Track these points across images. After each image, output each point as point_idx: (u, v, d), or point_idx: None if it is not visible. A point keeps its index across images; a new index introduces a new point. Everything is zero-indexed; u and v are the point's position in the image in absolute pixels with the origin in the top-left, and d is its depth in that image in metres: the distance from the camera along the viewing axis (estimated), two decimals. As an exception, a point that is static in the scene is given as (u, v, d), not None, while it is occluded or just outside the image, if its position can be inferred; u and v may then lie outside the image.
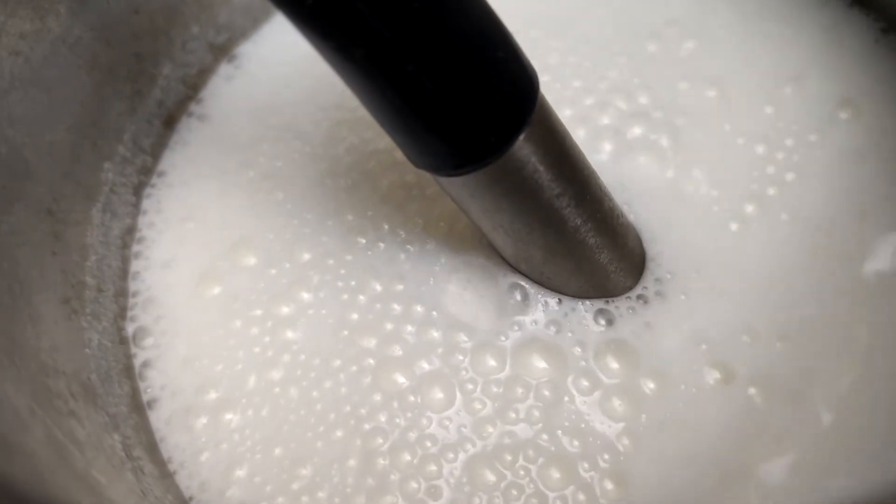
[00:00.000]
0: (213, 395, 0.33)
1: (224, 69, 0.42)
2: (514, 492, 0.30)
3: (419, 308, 0.34)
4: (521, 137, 0.25)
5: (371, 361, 0.33)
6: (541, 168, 0.26)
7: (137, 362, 0.35)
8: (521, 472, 0.30)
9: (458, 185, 0.27)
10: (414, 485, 0.31)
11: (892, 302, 0.31)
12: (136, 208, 0.38)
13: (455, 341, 0.33)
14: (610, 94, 0.38)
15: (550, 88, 0.38)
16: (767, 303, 0.32)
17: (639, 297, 0.33)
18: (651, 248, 0.34)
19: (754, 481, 0.29)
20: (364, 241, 0.36)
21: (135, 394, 0.34)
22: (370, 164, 0.38)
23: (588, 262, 0.31)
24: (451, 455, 0.31)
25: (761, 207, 0.34)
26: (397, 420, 0.32)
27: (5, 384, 0.25)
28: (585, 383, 0.32)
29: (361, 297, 0.35)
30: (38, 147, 0.32)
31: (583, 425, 0.31)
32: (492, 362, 0.33)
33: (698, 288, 0.33)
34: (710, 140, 0.36)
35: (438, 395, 0.32)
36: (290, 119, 0.40)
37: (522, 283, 0.34)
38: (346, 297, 0.35)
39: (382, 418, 0.32)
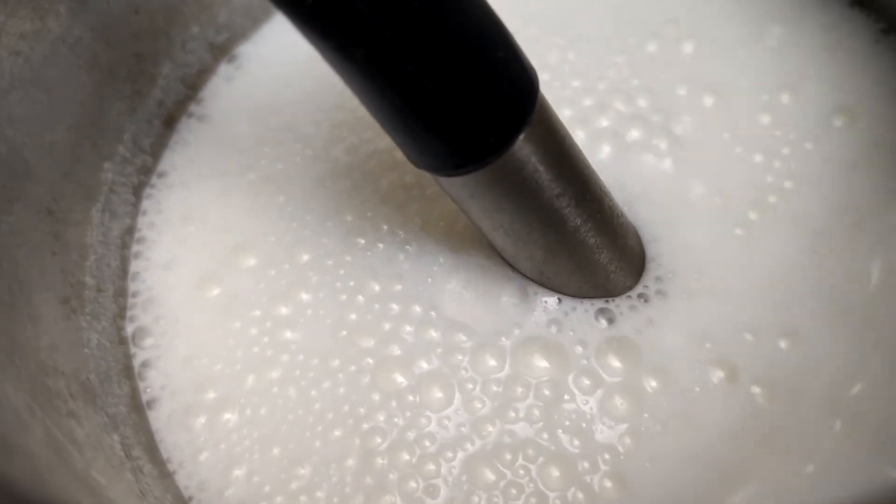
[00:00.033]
0: (211, 395, 0.33)
1: (224, 69, 0.42)
2: (514, 491, 0.30)
3: (417, 308, 0.34)
4: (521, 137, 0.25)
5: (370, 361, 0.33)
6: (541, 168, 0.26)
7: (137, 362, 0.35)
8: (521, 472, 0.30)
9: (458, 186, 0.27)
10: (413, 484, 0.31)
11: (890, 304, 0.31)
12: (135, 208, 0.38)
13: (454, 341, 0.33)
14: (609, 96, 0.38)
15: (549, 87, 0.38)
16: (771, 304, 0.32)
17: (640, 295, 0.33)
18: (651, 249, 0.34)
19: (756, 481, 0.29)
20: (363, 241, 0.36)
21: (134, 394, 0.34)
22: (370, 165, 0.38)
23: (588, 262, 0.31)
24: (449, 454, 0.31)
25: (763, 214, 0.34)
26: (396, 419, 0.32)
27: (5, 384, 0.25)
28: (587, 382, 0.32)
29: (360, 298, 0.35)
30: (38, 147, 0.32)
31: (584, 424, 0.31)
32: (491, 362, 0.33)
33: (700, 287, 0.33)
34: (709, 148, 0.36)
35: (437, 394, 0.32)
36: (291, 120, 0.40)
37: (522, 282, 0.34)
38: (344, 297, 0.35)
39: (381, 418, 0.32)
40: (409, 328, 0.34)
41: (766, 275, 0.33)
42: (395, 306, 0.34)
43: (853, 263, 0.33)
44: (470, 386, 0.32)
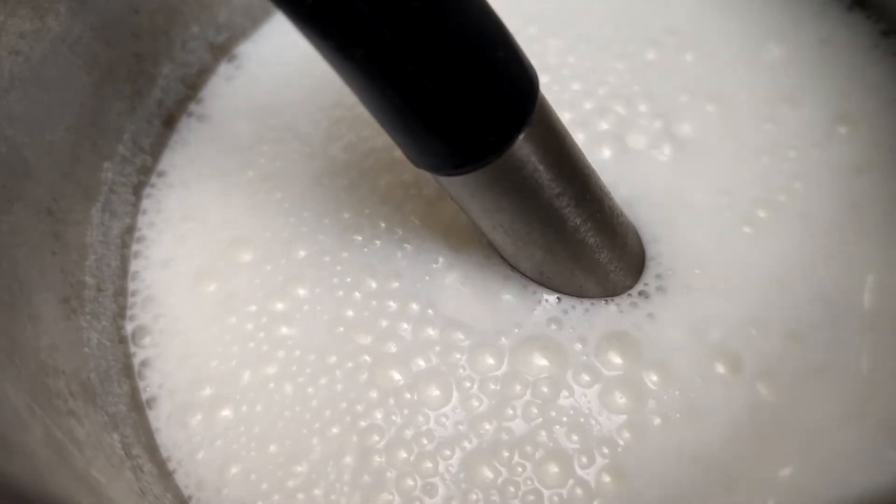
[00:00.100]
0: (207, 392, 0.33)
1: (224, 69, 0.42)
2: (512, 489, 0.30)
3: (415, 306, 0.34)
4: (521, 137, 0.25)
5: (367, 358, 0.33)
6: (541, 167, 0.26)
7: (136, 361, 0.35)
8: (519, 469, 0.30)
9: (457, 185, 0.27)
10: (410, 482, 0.31)
11: (892, 305, 0.32)
12: (135, 208, 0.38)
13: (452, 339, 0.33)
14: (609, 100, 0.38)
15: (549, 90, 0.38)
16: (775, 301, 0.32)
17: (640, 292, 0.33)
18: (651, 248, 0.34)
19: (757, 477, 0.29)
20: (360, 238, 0.36)
21: (134, 393, 0.34)
22: (368, 163, 0.38)
23: (588, 262, 0.31)
24: (447, 452, 0.31)
25: (773, 212, 0.34)
26: (393, 417, 0.32)
27: (5, 383, 0.25)
28: (586, 377, 0.32)
29: (357, 294, 0.35)
30: (37, 146, 0.32)
31: (582, 419, 0.31)
32: (489, 360, 0.33)
33: (702, 284, 0.33)
34: (713, 150, 0.36)
35: (435, 392, 0.32)
36: (290, 119, 0.40)
37: (522, 281, 0.34)
38: (341, 293, 0.35)
39: (378, 415, 0.32)
40: (406, 326, 0.34)
41: (773, 272, 0.33)
42: (392, 304, 0.34)
43: (859, 264, 0.33)
44: (468, 384, 0.32)
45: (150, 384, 0.34)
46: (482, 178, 0.26)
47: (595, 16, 0.41)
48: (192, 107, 0.41)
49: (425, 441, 0.31)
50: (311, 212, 0.37)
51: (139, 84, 0.38)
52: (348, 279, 0.35)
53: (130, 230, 0.38)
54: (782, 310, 0.32)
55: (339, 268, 0.35)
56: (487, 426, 0.31)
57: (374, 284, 0.35)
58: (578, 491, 0.30)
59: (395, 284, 0.35)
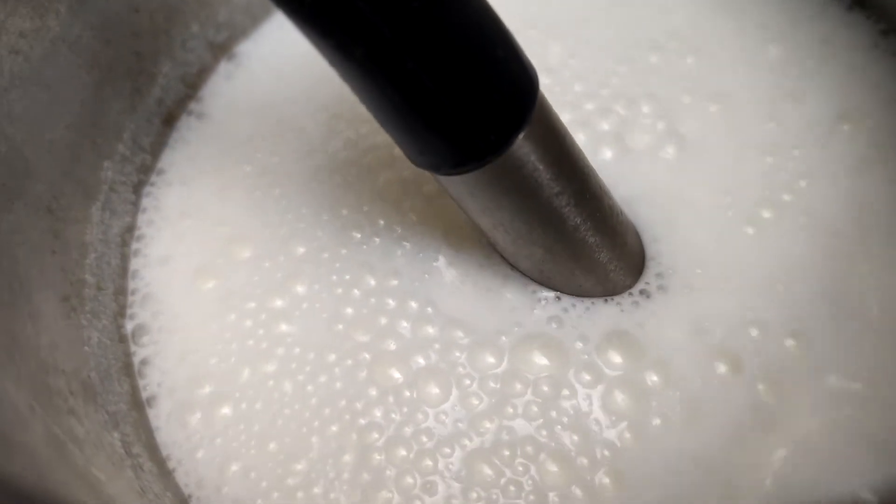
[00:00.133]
0: (206, 390, 0.33)
1: (224, 68, 0.42)
2: (513, 488, 0.30)
3: (414, 304, 0.34)
4: (521, 136, 0.25)
5: (366, 356, 0.33)
6: (540, 167, 0.26)
7: (136, 360, 0.35)
8: (520, 469, 0.30)
9: (457, 184, 0.27)
10: (410, 480, 0.31)
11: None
12: (135, 207, 0.38)
13: (451, 337, 0.33)
14: (611, 101, 0.38)
15: (551, 91, 0.38)
16: (777, 301, 0.32)
17: (641, 291, 0.33)
18: (651, 248, 0.34)
19: (758, 478, 0.29)
20: (359, 235, 0.36)
21: (134, 391, 0.34)
22: (367, 160, 0.38)
23: (587, 261, 0.31)
24: (447, 450, 0.31)
25: (778, 212, 0.34)
26: (393, 415, 0.32)
27: (5, 382, 0.25)
28: (587, 377, 0.32)
29: (356, 292, 0.35)
30: (37, 145, 0.32)
31: (583, 420, 0.31)
32: (489, 358, 0.33)
33: (702, 284, 0.33)
34: (716, 149, 0.36)
35: (434, 390, 0.32)
36: (289, 116, 0.40)
37: (522, 280, 0.34)
38: (340, 290, 0.35)
39: (378, 413, 0.32)
40: (405, 324, 0.34)
41: (775, 272, 0.33)
42: (391, 301, 0.34)
43: (863, 263, 0.32)
44: (467, 382, 0.32)
45: (150, 382, 0.34)
46: (482, 177, 0.26)
47: (596, 20, 0.41)
48: (192, 105, 0.41)
49: (425, 439, 0.31)
50: (310, 208, 0.37)
51: (139, 83, 0.38)
52: (347, 276, 0.35)
53: (130, 229, 0.38)
54: (784, 310, 0.32)
55: (337, 265, 0.35)
56: (488, 425, 0.31)
57: (373, 282, 0.35)
58: (579, 492, 0.30)
59: (394, 282, 0.35)
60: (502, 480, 0.30)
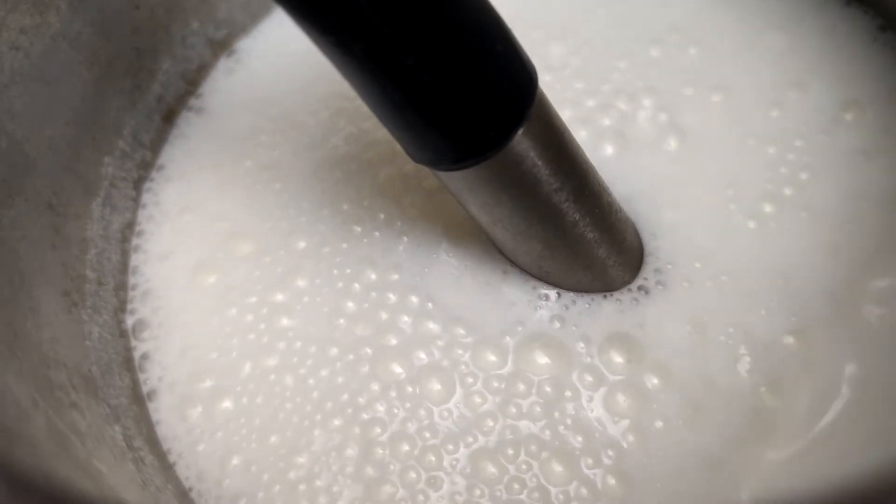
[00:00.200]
0: (207, 384, 0.33)
1: (223, 64, 0.42)
2: (517, 486, 0.30)
3: (414, 299, 0.34)
4: (520, 132, 0.25)
5: (368, 351, 0.33)
6: (539, 163, 0.27)
7: (137, 354, 0.35)
8: (524, 467, 0.30)
9: (456, 180, 0.27)
10: (413, 475, 0.31)
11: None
12: (135, 202, 0.38)
13: (454, 334, 0.33)
14: (612, 97, 0.38)
15: (552, 89, 0.38)
16: (779, 297, 0.32)
17: (640, 287, 0.33)
18: (651, 244, 0.34)
19: (760, 478, 0.29)
20: (360, 229, 0.36)
21: (135, 385, 0.34)
22: (368, 155, 0.38)
23: (586, 257, 0.31)
24: (451, 447, 0.31)
25: (779, 206, 0.34)
26: (396, 410, 0.32)
27: (7, 376, 0.26)
28: (589, 379, 0.32)
29: (357, 286, 0.35)
30: (38, 141, 0.32)
31: (586, 421, 0.31)
32: (492, 358, 0.33)
33: (702, 280, 0.33)
34: (718, 142, 0.36)
35: (437, 387, 0.32)
36: (289, 112, 0.40)
37: (521, 275, 0.34)
38: (341, 285, 0.35)
39: (381, 408, 0.32)
40: (406, 319, 0.34)
41: (776, 267, 0.33)
42: (392, 296, 0.34)
43: (866, 256, 0.32)
44: (470, 380, 0.32)
45: (151, 377, 0.34)
46: (481, 172, 0.26)
47: (597, 16, 0.41)
48: (192, 101, 0.41)
49: (428, 435, 0.31)
50: (311, 203, 0.37)
51: (139, 79, 0.38)
52: (348, 270, 0.35)
53: (130, 225, 0.38)
54: (785, 306, 0.32)
55: (338, 259, 0.35)
56: (492, 423, 0.31)
57: (373, 276, 0.35)
58: (584, 491, 0.30)
59: (395, 276, 0.35)
60: (506, 478, 0.30)
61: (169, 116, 0.40)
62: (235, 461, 0.32)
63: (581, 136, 0.37)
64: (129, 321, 0.36)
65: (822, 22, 0.38)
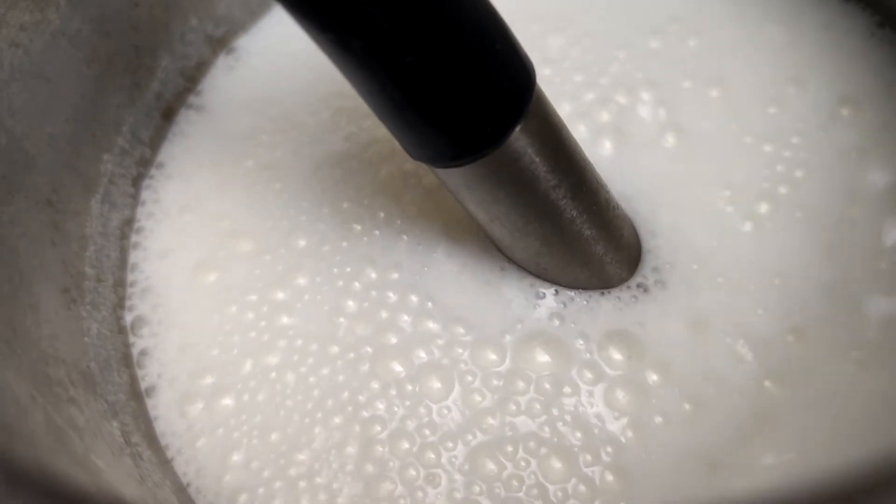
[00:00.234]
0: (208, 381, 0.34)
1: (223, 62, 0.42)
2: (515, 483, 0.30)
3: (414, 298, 0.34)
4: (518, 129, 0.25)
5: (368, 349, 0.33)
6: (537, 160, 0.27)
7: (135, 351, 0.35)
8: (522, 464, 0.31)
9: (454, 177, 0.27)
10: (413, 472, 0.31)
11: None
12: (134, 199, 0.38)
13: (453, 333, 0.33)
14: (611, 90, 0.38)
15: (551, 82, 0.38)
16: (778, 296, 0.32)
17: (639, 285, 0.33)
18: (649, 243, 0.34)
19: (760, 475, 0.29)
20: (360, 228, 0.36)
21: (133, 382, 0.34)
22: (368, 154, 0.38)
23: (584, 254, 0.31)
24: (450, 444, 0.31)
25: (774, 205, 0.34)
26: (395, 408, 0.32)
27: (6, 372, 0.26)
28: (589, 375, 0.32)
29: (357, 284, 0.35)
30: (37, 138, 0.32)
31: (585, 418, 0.31)
32: (491, 356, 0.33)
33: (700, 278, 0.33)
34: (716, 138, 0.36)
35: (436, 384, 0.32)
36: (289, 110, 0.40)
37: (519, 273, 0.34)
38: (341, 283, 0.35)
39: (381, 406, 0.32)
40: (406, 318, 0.34)
41: (774, 266, 0.33)
42: (392, 295, 0.34)
43: (865, 253, 0.32)
44: (469, 378, 0.32)
45: (150, 374, 0.34)
46: (479, 170, 0.26)
47: (597, 7, 0.41)
48: (191, 99, 0.41)
49: (428, 432, 0.31)
50: (311, 202, 0.37)
51: (138, 76, 0.38)
52: (348, 269, 0.35)
53: (130, 222, 0.38)
54: (783, 305, 0.32)
55: (339, 258, 0.36)
56: (491, 421, 0.31)
57: (373, 275, 0.35)
58: (582, 488, 0.30)
59: (395, 275, 0.35)
60: (504, 474, 0.30)
61: (168, 114, 0.40)
62: (236, 457, 0.32)
63: (580, 131, 0.37)
64: (128, 318, 0.36)
65: (821, 17, 0.38)
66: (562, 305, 0.33)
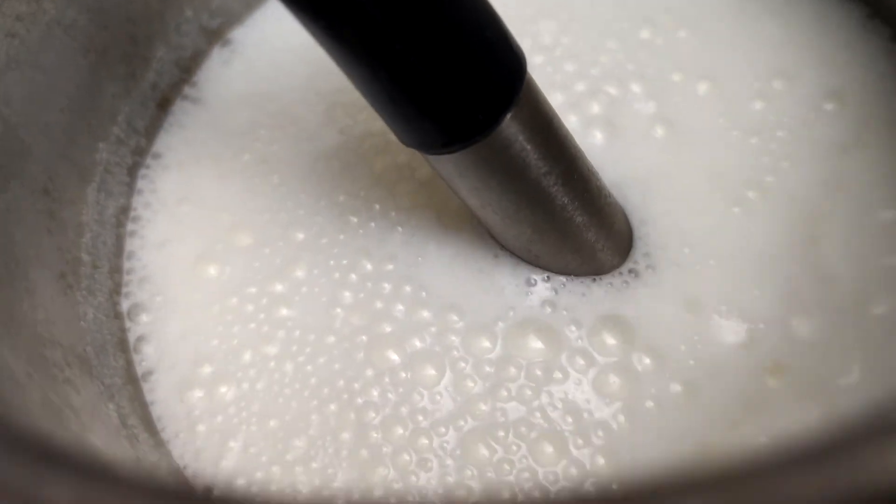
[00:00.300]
0: (208, 369, 0.34)
1: (218, 53, 0.43)
2: (507, 466, 0.31)
3: (408, 288, 0.34)
4: (509, 116, 0.25)
5: (364, 338, 0.34)
6: (528, 147, 0.27)
7: (132, 336, 0.35)
8: (514, 448, 0.31)
9: (446, 163, 0.28)
10: (406, 457, 0.31)
11: (889, 287, 0.32)
12: (130, 188, 0.38)
13: (446, 321, 0.33)
14: (602, 81, 0.38)
15: (543, 71, 0.39)
16: (766, 280, 0.32)
17: (630, 271, 0.34)
18: (640, 230, 0.35)
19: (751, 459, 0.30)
20: (356, 220, 0.36)
21: (129, 366, 0.34)
22: (364, 147, 0.39)
23: (575, 241, 0.32)
24: (442, 429, 0.31)
25: (761, 193, 0.34)
26: (389, 395, 0.32)
27: (2, 349, 0.26)
28: (581, 361, 0.32)
29: (353, 276, 0.35)
30: (33, 127, 0.32)
31: (577, 403, 0.31)
32: (484, 343, 0.33)
33: (691, 264, 0.33)
34: (703, 131, 0.36)
35: (430, 371, 0.33)
36: (285, 102, 0.40)
37: (512, 260, 0.34)
38: (338, 275, 0.35)
39: (375, 393, 0.32)
40: (400, 307, 0.34)
41: (761, 255, 0.33)
42: (387, 285, 0.35)
43: (848, 241, 0.33)
44: (462, 365, 0.33)
45: (146, 359, 0.35)
46: (470, 156, 0.26)
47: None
48: (187, 90, 0.41)
49: (420, 418, 0.32)
50: (309, 195, 0.37)
51: (133, 66, 0.39)
52: (345, 261, 0.35)
53: (125, 210, 0.38)
54: (770, 292, 0.32)
55: (335, 250, 0.36)
56: (483, 406, 0.32)
57: (369, 266, 0.35)
58: (573, 471, 0.30)
59: (390, 266, 0.35)
60: (496, 458, 0.31)
61: (164, 104, 0.40)
62: (233, 443, 0.32)
63: (571, 122, 0.37)
64: (125, 304, 0.36)
65: (813, 8, 0.39)
66: (554, 292, 0.33)
